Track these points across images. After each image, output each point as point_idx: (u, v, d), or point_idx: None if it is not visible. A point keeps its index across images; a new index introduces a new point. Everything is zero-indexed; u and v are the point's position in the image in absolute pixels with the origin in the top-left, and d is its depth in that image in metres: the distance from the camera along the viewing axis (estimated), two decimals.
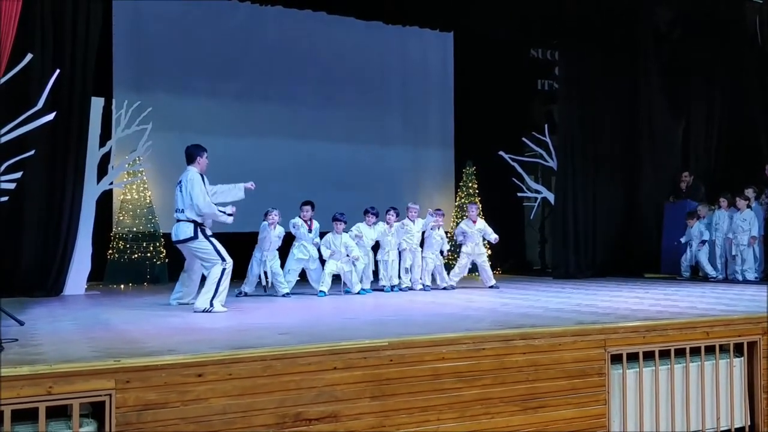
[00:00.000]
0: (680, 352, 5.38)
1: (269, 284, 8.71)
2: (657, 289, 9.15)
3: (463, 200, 13.42)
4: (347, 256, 9.02)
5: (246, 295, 8.79)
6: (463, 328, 5.03)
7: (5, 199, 7.99)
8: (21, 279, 8.59)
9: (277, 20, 12.52)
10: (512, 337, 4.81)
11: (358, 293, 8.99)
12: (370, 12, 12.76)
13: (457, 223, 10.84)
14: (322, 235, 9.17)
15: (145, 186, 11.28)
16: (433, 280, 10.00)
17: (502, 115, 13.71)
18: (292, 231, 9.02)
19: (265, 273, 8.69)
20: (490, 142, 13.08)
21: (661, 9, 12.77)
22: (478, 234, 9.92)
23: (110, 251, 10.99)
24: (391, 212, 9.67)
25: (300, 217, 9.05)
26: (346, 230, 9.18)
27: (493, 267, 10.84)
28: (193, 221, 6.88)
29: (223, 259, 6.85)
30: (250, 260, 8.83)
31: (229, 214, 7.01)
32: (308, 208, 9.08)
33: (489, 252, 10.74)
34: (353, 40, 13.15)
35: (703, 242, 11.06)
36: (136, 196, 11.25)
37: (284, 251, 9.14)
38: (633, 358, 5.18)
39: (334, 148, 12.81)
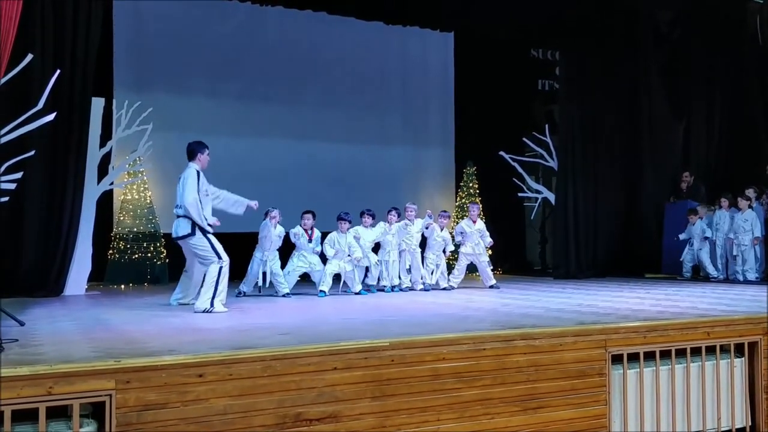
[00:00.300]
0: (681, 353, 5.38)
1: (266, 285, 8.70)
2: (658, 289, 9.15)
3: (463, 200, 13.42)
4: (349, 256, 9.02)
5: (245, 294, 8.78)
6: (464, 329, 5.03)
7: (6, 199, 7.99)
8: (21, 279, 8.58)
9: (278, 20, 12.51)
10: (513, 337, 4.80)
11: (359, 293, 8.98)
12: (371, 12, 12.74)
13: (458, 223, 10.83)
14: (324, 235, 9.16)
15: (146, 186, 11.28)
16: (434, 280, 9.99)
17: (502, 115, 13.71)
18: (293, 240, 9.03)
19: (264, 274, 8.68)
20: (491, 142, 13.08)
21: (661, 9, 12.76)
22: (477, 234, 9.92)
23: (111, 251, 10.99)
24: (393, 212, 9.67)
25: (301, 226, 9.03)
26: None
27: (493, 267, 10.84)
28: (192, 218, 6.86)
29: (220, 258, 6.83)
30: (250, 260, 8.82)
31: (209, 224, 6.93)
32: (309, 216, 9.04)
33: (489, 252, 10.73)
34: (354, 40, 13.15)
35: (706, 238, 11.05)
36: (137, 197, 11.25)
37: (285, 252, 9.13)
38: (634, 358, 5.18)
39: (335, 148, 12.81)
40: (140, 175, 11.16)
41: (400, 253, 9.65)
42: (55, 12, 8.78)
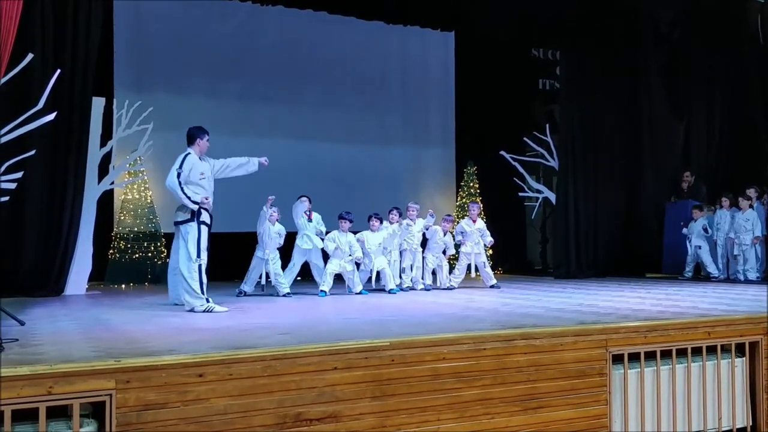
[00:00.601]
0: (682, 352, 5.37)
1: (269, 284, 8.70)
2: (658, 288, 9.14)
3: (464, 200, 13.41)
4: (350, 255, 9.01)
5: (245, 294, 8.78)
6: (464, 328, 5.02)
7: (6, 199, 7.99)
8: (22, 279, 8.58)
9: (278, 20, 12.51)
10: (513, 337, 4.80)
11: (359, 293, 8.98)
12: (371, 12, 12.76)
13: (458, 222, 10.83)
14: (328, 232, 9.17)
15: (146, 186, 11.29)
16: (434, 279, 9.99)
17: (503, 115, 13.70)
18: (295, 221, 9.02)
19: (267, 274, 8.68)
20: (491, 142, 13.09)
21: (661, 9, 12.75)
22: (477, 234, 9.92)
23: (111, 251, 11.00)
24: (394, 212, 9.66)
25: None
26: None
27: (494, 267, 10.84)
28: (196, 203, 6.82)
29: (198, 256, 6.73)
30: (250, 260, 8.82)
31: (194, 202, 6.79)
32: (304, 199, 9.07)
33: (490, 252, 10.73)
34: (354, 40, 13.15)
35: (706, 230, 11.03)
36: (137, 196, 11.26)
37: (285, 252, 9.13)
38: (634, 358, 5.17)
39: (335, 148, 12.81)
40: (141, 174, 11.16)
41: (401, 252, 9.65)
42: (56, 12, 8.78)
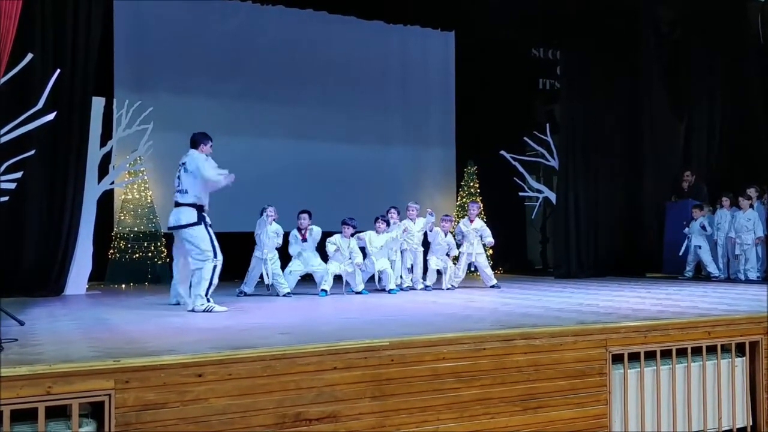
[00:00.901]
0: (682, 352, 5.37)
1: (270, 283, 8.70)
2: (659, 288, 9.14)
3: (464, 200, 13.41)
4: (350, 260, 9.00)
5: (245, 294, 8.78)
6: (464, 328, 5.01)
7: (6, 199, 7.99)
8: (22, 279, 8.57)
9: (278, 20, 12.52)
10: (512, 336, 4.79)
11: (360, 293, 8.98)
12: (371, 11, 12.77)
13: (458, 222, 10.83)
14: (327, 235, 9.14)
15: (146, 186, 11.29)
16: (438, 280, 9.94)
17: (503, 115, 13.70)
18: (291, 241, 9.05)
19: (267, 274, 8.67)
20: (492, 142, 13.09)
21: (662, 8, 12.75)
22: (475, 234, 9.89)
23: (111, 251, 11.00)
24: (393, 211, 9.66)
25: (297, 226, 9.03)
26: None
27: (494, 267, 10.83)
28: (198, 207, 6.83)
29: (215, 255, 6.77)
30: (250, 260, 8.82)
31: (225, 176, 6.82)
32: (305, 216, 9.04)
33: (490, 252, 10.72)
34: (354, 39, 13.15)
35: (704, 228, 11.02)
36: (137, 196, 11.26)
37: (285, 251, 9.13)
38: (634, 358, 5.17)
39: (335, 148, 12.81)
40: (141, 174, 11.17)
41: (402, 252, 9.65)
42: (56, 11, 8.78)
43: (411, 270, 9.74)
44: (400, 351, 4.39)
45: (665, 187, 12.66)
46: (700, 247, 11.12)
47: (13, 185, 8.08)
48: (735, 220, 10.74)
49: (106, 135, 9.79)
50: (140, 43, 11.58)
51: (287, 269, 8.93)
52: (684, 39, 12.92)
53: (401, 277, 9.61)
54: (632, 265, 12.22)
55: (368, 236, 9.27)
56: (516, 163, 12.67)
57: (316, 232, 9.01)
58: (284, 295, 8.57)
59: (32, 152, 8.27)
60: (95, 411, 3.73)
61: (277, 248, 8.89)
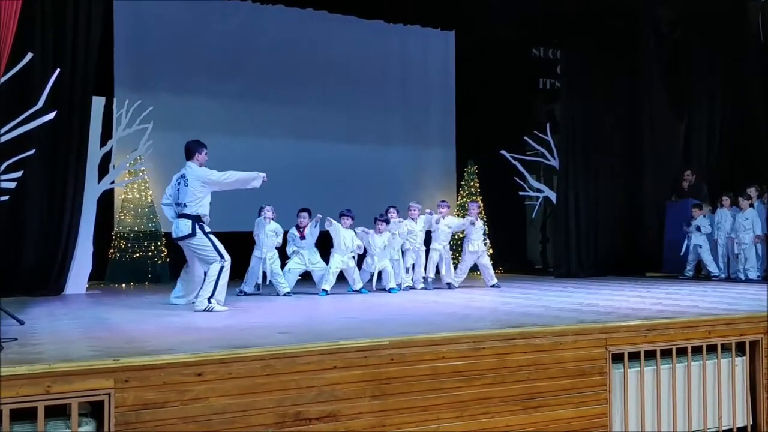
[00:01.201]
0: (682, 352, 5.36)
1: (266, 283, 8.69)
2: (659, 288, 9.13)
3: (464, 199, 13.41)
4: (351, 252, 8.99)
5: (245, 294, 8.78)
6: (464, 327, 5.01)
7: (6, 198, 7.98)
8: (22, 278, 8.57)
9: (278, 19, 12.52)
10: (512, 336, 4.79)
11: (360, 292, 8.97)
12: (372, 11, 12.77)
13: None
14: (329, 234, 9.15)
15: (146, 185, 11.29)
16: (437, 272, 9.94)
17: (503, 114, 13.70)
18: (289, 240, 9.04)
19: (264, 273, 8.67)
20: (492, 141, 13.08)
21: (662, 8, 12.74)
22: (478, 231, 9.89)
23: (111, 250, 11.00)
24: (392, 210, 9.65)
25: (297, 224, 9.03)
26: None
27: (494, 266, 10.81)
28: (193, 217, 6.85)
29: (222, 257, 6.83)
30: (249, 260, 8.82)
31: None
32: (305, 215, 9.05)
33: (490, 251, 10.71)
34: (354, 39, 13.14)
35: (699, 229, 11.01)
36: (138, 196, 11.26)
37: (285, 251, 9.13)
38: (634, 357, 5.16)
39: (335, 148, 12.80)
40: (141, 174, 11.17)
41: (403, 252, 9.64)
42: (56, 10, 8.78)
43: (412, 269, 9.72)
44: (400, 350, 4.39)
45: (665, 186, 12.66)
46: (700, 246, 11.12)
47: (13, 185, 8.07)
48: (735, 220, 10.75)
49: (106, 134, 9.79)
50: (140, 43, 11.58)
51: (286, 267, 8.93)
52: (684, 39, 12.92)
53: (402, 276, 9.59)
54: (632, 264, 12.22)
55: (372, 236, 9.25)
56: (516, 163, 12.66)
57: (312, 230, 8.98)
58: (284, 295, 8.57)
59: (32, 152, 8.26)
60: (95, 410, 3.72)
61: (276, 248, 8.90)
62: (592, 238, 12.34)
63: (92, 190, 9.40)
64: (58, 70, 8.30)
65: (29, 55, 7.88)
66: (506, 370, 4.66)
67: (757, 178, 11.41)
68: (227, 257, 6.87)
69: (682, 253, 11.26)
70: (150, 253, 11.15)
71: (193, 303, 6.93)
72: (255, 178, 7.06)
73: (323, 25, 12.71)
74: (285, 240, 9.08)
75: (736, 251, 10.73)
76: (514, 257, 14.17)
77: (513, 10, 11.91)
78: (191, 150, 7.07)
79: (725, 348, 5.57)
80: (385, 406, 4.27)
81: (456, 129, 14.30)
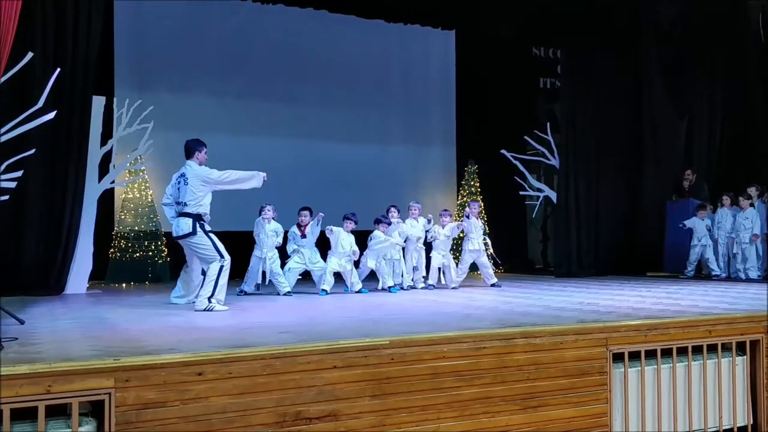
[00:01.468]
0: (682, 351, 5.36)
1: (266, 283, 8.69)
2: (659, 287, 9.13)
3: (464, 199, 13.40)
4: (348, 256, 8.99)
5: (245, 293, 8.78)
6: (464, 327, 5.01)
7: (6, 198, 7.98)
8: (22, 278, 8.57)
9: (279, 19, 12.51)
10: (513, 335, 4.79)
11: (360, 292, 8.97)
12: (372, 10, 12.76)
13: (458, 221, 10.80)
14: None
15: (147, 185, 11.28)
16: (440, 278, 9.93)
17: (504, 114, 13.68)
18: (289, 239, 9.05)
19: (264, 273, 8.67)
20: (493, 141, 13.07)
21: (663, 7, 12.74)
22: (478, 230, 9.89)
23: (112, 250, 10.99)
24: (393, 210, 9.65)
25: (298, 222, 9.03)
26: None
27: (494, 266, 10.80)
28: (193, 216, 6.85)
29: (222, 256, 6.83)
30: (249, 259, 8.82)
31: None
32: (306, 213, 9.05)
33: (490, 251, 10.71)
34: (355, 38, 13.13)
35: (708, 229, 11.02)
36: (138, 195, 11.25)
37: (285, 251, 9.13)
38: (635, 356, 5.17)
39: (336, 147, 12.80)
40: (141, 173, 11.16)
41: (405, 251, 9.64)
42: (56, 10, 8.77)
43: (414, 269, 9.72)
44: (401, 350, 4.39)
45: (666, 186, 12.66)
46: (707, 245, 11.13)
47: (13, 184, 8.07)
48: (735, 220, 10.75)
49: (107, 134, 9.78)
50: (140, 42, 11.57)
51: (286, 266, 8.93)
52: (685, 38, 12.91)
53: (402, 276, 9.58)
54: (633, 263, 12.22)
55: (377, 236, 9.24)
56: (517, 162, 12.66)
57: (312, 229, 8.98)
58: (284, 294, 8.57)
59: (32, 151, 8.26)
60: (95, 410, 3.73)
61: (277, 247, 8.90)
62: (592, 238, 12.34)
63: (92, 190, 9.40)
64: (58, 69, 8.30)
65: (29, 55, 7.88)
66: (506, 370, 4.66)
67: (757, 178, 11.42)
68: (227, 256, 6.88)
69: (693, 259, 11.23)
70: (150, 253, 11.15)
71: (194, 303, 6.94)
72: (255, 178, 7.06)
73: (323, 25, 12.70)
74: (285, 239, 9.08)
75: (735, 251, 10.74)
76: (515, 257, 14.13)
77: (513, 10, 11.90)
78: (191, 149, 7.08)
79: (726, 347, 5.57)
80: (385, 406, 4.27)
81: (456, 128, 14.29)
